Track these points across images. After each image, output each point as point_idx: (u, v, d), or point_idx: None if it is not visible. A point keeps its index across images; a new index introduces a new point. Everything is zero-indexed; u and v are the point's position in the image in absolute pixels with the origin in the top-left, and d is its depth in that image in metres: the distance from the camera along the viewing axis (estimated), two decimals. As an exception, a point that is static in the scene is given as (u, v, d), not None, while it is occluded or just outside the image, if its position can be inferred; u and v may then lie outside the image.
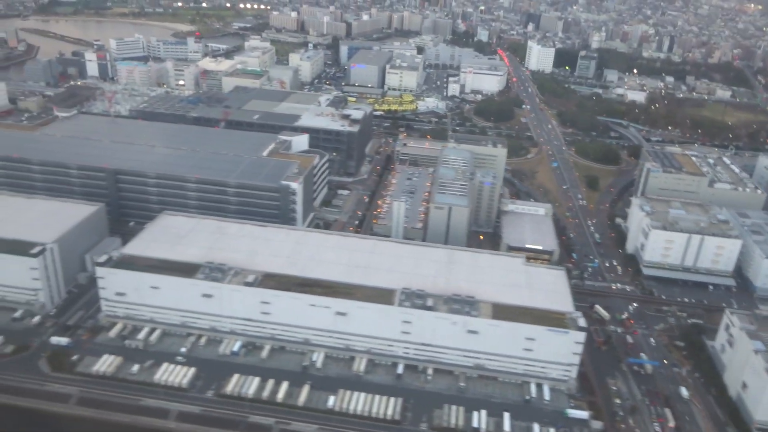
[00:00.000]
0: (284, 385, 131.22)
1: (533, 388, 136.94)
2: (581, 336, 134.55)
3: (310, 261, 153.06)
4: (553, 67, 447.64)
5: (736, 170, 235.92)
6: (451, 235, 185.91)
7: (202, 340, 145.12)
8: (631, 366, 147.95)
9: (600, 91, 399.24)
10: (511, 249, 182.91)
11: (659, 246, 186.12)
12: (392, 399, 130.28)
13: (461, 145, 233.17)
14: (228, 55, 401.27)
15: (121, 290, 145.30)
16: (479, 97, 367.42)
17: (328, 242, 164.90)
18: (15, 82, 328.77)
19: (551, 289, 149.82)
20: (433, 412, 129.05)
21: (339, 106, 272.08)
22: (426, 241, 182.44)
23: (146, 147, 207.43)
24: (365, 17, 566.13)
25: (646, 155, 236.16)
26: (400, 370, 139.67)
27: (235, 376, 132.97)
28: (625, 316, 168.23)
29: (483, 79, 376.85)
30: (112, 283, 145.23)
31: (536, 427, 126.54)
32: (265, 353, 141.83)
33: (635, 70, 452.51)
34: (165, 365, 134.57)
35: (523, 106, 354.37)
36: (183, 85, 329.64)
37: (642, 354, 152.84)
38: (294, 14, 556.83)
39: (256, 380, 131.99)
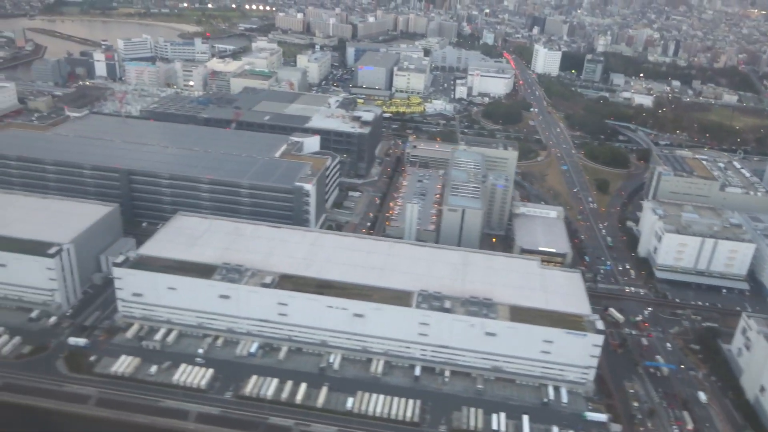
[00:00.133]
0: (302, 387, 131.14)
1: (551, 391, 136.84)
2: (599, 339, 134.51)
3: (327, 262, 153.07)
4: (559, 70, 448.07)
5: (747, 174, 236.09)
6: (464, 238, 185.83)
7: (219, 341, 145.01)
8: (648, 369, 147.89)
9: (607, 94, 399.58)
10: (524, 252, 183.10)
11: (672, 249, 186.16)
12: (410, 401, 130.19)
13: (472, 147, 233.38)
14: (235, 56, 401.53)
15: (138, 291, 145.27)
16: (486, 99, 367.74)
17: (343, 244, 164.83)
18: (23, 82, 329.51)
19: (567, 291, 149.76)
20: (452, 414, 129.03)
21: (349, 107, 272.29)
22: (438, 243, 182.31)
23: (159, 147, 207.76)
24: (371, 19, 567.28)
25: (657, 159, 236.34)
26: (417, 372, 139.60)
27: (254, 378, 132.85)
28: (639, 318, 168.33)
29: (490, 81, 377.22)
30: (129, 283, 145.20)
31: (555, 429, 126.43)
32: (282, 354, 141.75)
33: (641, 74, 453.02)
34: (183, 366, 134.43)
35: (531, 109, 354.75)
36: (192, 86, 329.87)
37: (658, 357, 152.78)
38: (300, 16, 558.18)
39: (275, 381, 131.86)
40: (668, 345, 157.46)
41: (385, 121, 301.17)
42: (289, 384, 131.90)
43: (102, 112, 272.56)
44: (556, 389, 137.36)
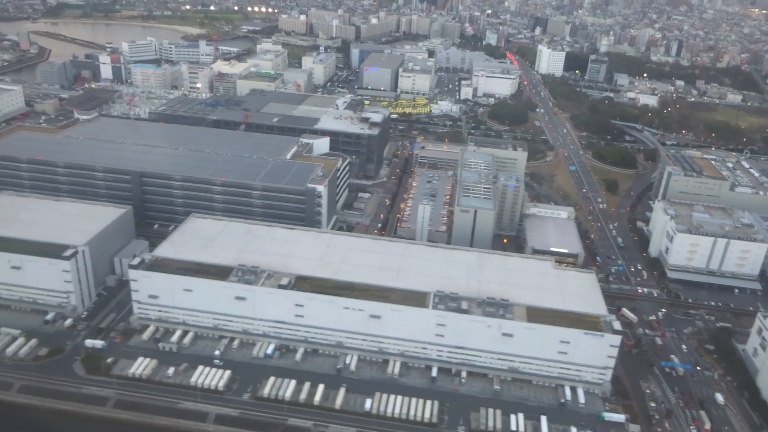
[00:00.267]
0: (320, 388, 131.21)
1: (568, 392, 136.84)
2: (617, 339, 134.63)
3: (342, 264, 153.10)
4: (562, 70, 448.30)
5: (756, 174, 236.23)
6: (476, 238, 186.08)
7: (235, 343, 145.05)
8: (663, 369, 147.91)
9: (611, 94, 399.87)
10: (536, 252, 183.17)
11: (684, 249, 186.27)
12: (428, 402, 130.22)
13: (481, 148, 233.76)
14: (240, 58, 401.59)
15: (154, 293, 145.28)
16: (492, 100, 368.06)
17: (357, 245, 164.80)
18: (29, 84, 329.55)
19: (583, 292, 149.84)
20: (470, 415, 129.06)
21: (356, 109, 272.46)
22: (450, 244, 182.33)
23: (169, 149, 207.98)
24: (374, 21, 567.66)
25: (666, 159, 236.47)
26: (434, 372, 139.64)
27: (271, 379, 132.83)
28: (652, 318, 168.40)
29: (495, 82, 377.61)
30: (145, 285, 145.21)
31: (574, 430, 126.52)
32: (298, 356, 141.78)
33: (645, 74, 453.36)
34: (200, 368, 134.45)
35: (537, 110, 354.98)
36: (199, 88, 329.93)
37: (672, 356, 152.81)
38: (303, 17, 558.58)
39: (293, 383, 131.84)
40: (683, 347, 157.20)
41: (391, 122, 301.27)
42: (307, 385, 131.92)
43: (110, 114, 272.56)
44: (573, 390, 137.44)
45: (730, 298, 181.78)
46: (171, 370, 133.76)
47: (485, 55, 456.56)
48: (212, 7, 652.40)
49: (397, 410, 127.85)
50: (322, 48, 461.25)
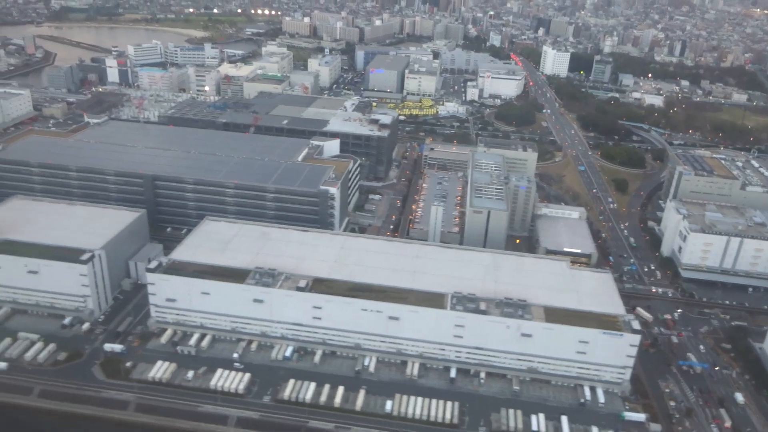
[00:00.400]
0: (340, 390, 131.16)
1: (587, 391, 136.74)
2: (636, 339, 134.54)
3: (358, 265, 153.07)
4: (567, 71, 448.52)
5: (766, 173, 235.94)
6: (490, 239, 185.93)
7: (253, 346, 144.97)
8: (681, 368, 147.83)
9: (617, 95, 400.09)
10: (549, 252, 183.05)
11: (698, 249, 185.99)
12: (449, 403, 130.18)
13: (491, 149, 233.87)
14: (246, 60, 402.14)
15: (172, 296, 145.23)
16: (498, 101, 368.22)
17: (372, 247, 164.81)
18: (36, 88, 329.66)
19: (599, 291, 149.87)
20: (491, 416, 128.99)
21: (365, 111, 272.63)
22: (463, 245, 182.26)
23: (180, 152, 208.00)
24: (377, 22, 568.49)
25: (675, 159, 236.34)
26: (453, 373, 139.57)
27: (291, 381, 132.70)
28: (667, 316, 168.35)
29: (501, 83, 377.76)
30: (162, 289, 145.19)
31: (594, 430, 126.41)
32: (317, 358, 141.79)
33: (649, 75, 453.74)
34: (220, 371, 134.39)
35: (543, 111, 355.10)
36: (207, 91, 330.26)
37: (689, 355, 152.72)
38: (306, 20, 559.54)
39: (312, 385, 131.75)
40: (701, 346, 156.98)
41: (399, 123, 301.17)
42: (327, 387, 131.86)
43: (120, 118, 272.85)
44: (592, 389, 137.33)
45: (745, 297, 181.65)
46: (190, 374, 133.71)
47: (490, 57, 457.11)
48: (215, 10, 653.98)
49: (417, 412, 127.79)
50: (326, 50, 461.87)
